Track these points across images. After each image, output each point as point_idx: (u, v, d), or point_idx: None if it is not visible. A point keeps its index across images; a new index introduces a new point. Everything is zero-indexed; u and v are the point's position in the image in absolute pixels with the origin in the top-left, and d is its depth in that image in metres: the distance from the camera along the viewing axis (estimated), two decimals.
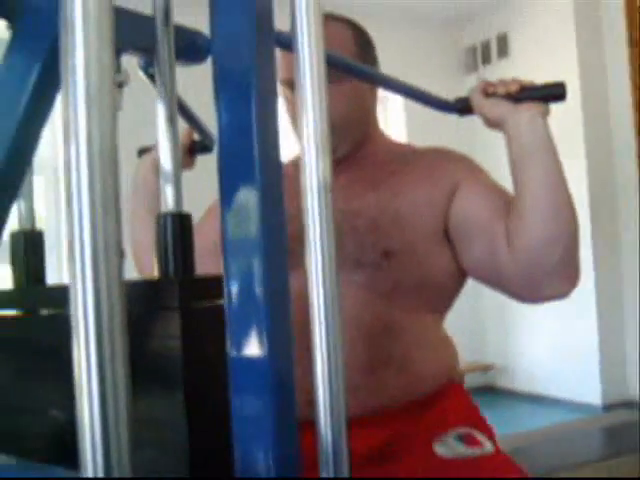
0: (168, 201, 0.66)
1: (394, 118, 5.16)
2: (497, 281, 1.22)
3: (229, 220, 0.60)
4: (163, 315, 0.62)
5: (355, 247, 1.25)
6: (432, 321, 1.33)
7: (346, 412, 0.55)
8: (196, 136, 1.41)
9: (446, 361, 1.36)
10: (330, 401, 0.55)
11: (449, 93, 4.42)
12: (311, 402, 1.25)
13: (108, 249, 0.38)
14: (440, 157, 1.34)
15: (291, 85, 1.28)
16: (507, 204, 1.20)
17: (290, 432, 0.58)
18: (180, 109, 1.21)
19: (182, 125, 1.38)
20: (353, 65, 1.20)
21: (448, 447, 1.21)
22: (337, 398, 0.55)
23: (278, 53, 1.30)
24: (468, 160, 1.37)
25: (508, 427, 4.31)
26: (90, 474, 0.36)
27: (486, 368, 5.01)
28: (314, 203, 0.53)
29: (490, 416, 4.22)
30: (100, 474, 0.36)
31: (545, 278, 1.15)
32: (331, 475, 0.52)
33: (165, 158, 0.67)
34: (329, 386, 0.55)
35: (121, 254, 0.66)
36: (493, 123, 1.24)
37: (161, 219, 0.66)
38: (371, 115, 1.37)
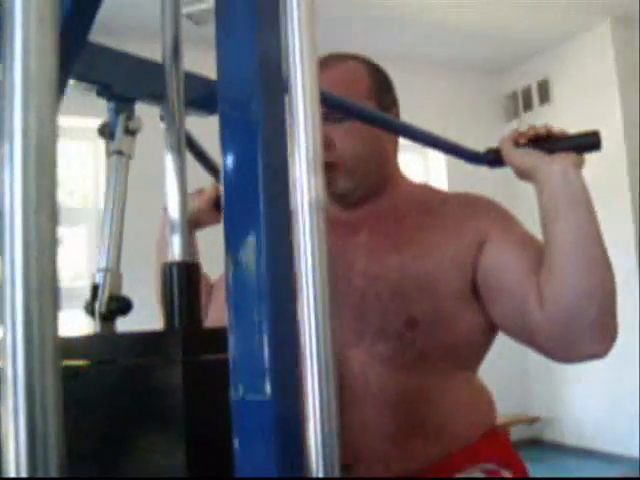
0: (175, 250, 0.65)
1: (435, 167, 5.14)
2: (530, 340, 1.15)
3: (233, 267, 0.58)
4: (167, 366, 0.61)
5: (378, 316, 1.20)
6: (464, 379, 1.27)
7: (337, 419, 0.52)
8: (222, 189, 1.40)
9: (481, 416, 1.30)
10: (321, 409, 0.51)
11: (490, 140, 4.39)
12: (347, 467, 1.20)
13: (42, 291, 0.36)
14: (467, 207, 1.28)
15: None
16: (539, 256, 1.14)
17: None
18: (204, 161, 1.20)
19: (209, 179, 1.38)
20: (370, 112, 1.18)
21: (468, 474, 1.16)
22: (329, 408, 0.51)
23: None
24: (497, 208, 1.30)
25: None
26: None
27: (532, 420, 4.85)
28: (306, 224, 0.53)
29: (537, 470, 4.11)
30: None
31: (579, 338, 1.08)
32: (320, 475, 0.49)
33: (173, 207, 0.66)
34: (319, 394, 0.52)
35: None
36: (524, 174, 1.18)
37: (167, 268, 0.65)
38: (390, 158, 1.32)
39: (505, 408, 4.80)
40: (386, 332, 1.19)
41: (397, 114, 1.34)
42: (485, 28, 4.43)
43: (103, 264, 0.73)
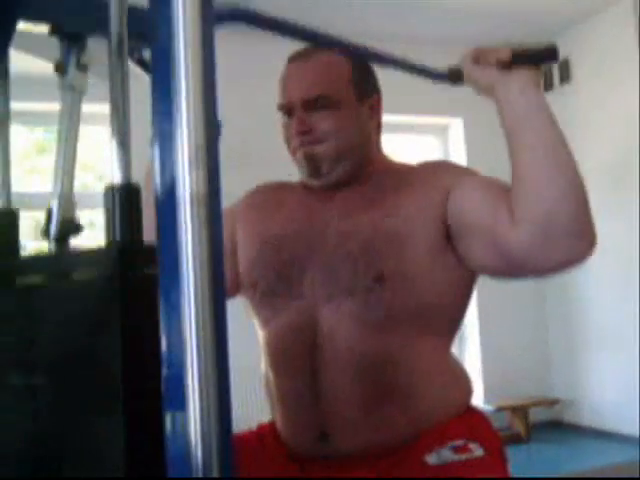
0: (115, 172, 0.67)
1: (454, 148, 5.11)
2: (510, 263, 1.14)
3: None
4: (106, 280, 0.63)
5: (348, 272, 1.22)
6: (436, 348, 1.28)
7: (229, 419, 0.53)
8: None
9: (456, 392, 1.31)
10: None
11: None
12: (324, 436, 1.24)
13: None
14: (433, 169, 1.33)
15: (287, 111, 1.31)
16: (503, 188, 1.16)
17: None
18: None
19: None
20: (342, 41, 1.19)
21: (438, 456, 1.18)
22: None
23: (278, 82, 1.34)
24: (462, 167, 1.38)
25: (574, 464, 4.13)
26: None
27: (552, 402, 4.82)
28: (187, 216, 0.52)
29: (556, 452, 4.09)
30: None
31: (557, 242, 1.08)
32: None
33: (114, 129, 0.68)
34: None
35: None
36: (484, 90, 1.21)
37: (108, 191, 0.67)
38: (371, 143, 1.37)
39: (525, 390, 4.79)
40: (355, 288, 1.21)
41: (378, 99, 1.39)
42: (505, 7, 4.40)
43: (57, 190, 0.76)
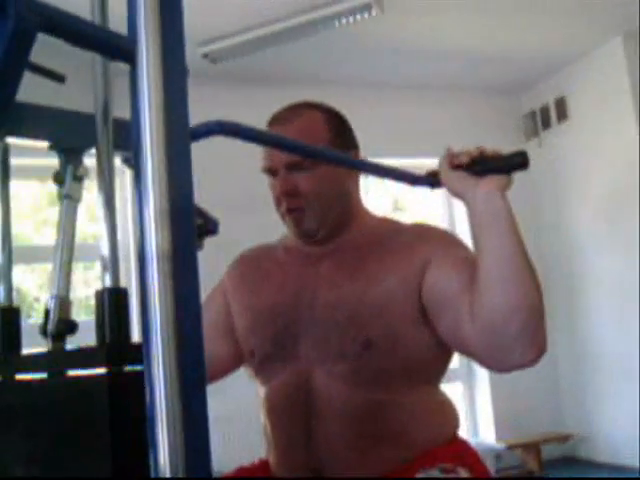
0: (106, 278, 0.75)
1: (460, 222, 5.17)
2: (465, 351, 1.25)
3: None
4: (95, 377, 0.70)
5: (337, 340, 1.31)
6: (423, 393, 1.36)
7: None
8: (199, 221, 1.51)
9: (444, 426, 1.39)
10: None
11: None
12: (316, 471, 1.31)
13: None
14: (415, 237, 1.38)
15: (272, 172, 1.39)
16: (475, 275, 1.22)
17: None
18: None
19: None
20: (323, 151, 1.28)
21: (427, 475, 1.25)
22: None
23: (261, 147, 1.42)
24: (443, 234, 1.41)
25: None
26: None
27: (565, 438, 4.81)
28: (153, 272, 0.58)
29: None
30: None
31: (506, 349, 1.15)
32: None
33: (105, 240, 0.76)
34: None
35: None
36: (456, 196, 1.27)
37: (99, 294, 0.75)
38: (353, 198, 1.44)
39: (537, 426, 4.79)
40: (345, 354, 1.30)
41: (356, 155, 1.46)
42: (499, 50, 4.50)
43: (54, 291, 0.84)
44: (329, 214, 1.39)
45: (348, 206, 1.43)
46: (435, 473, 1.25)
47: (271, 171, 1.40)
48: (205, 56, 4.03)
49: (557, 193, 5.03)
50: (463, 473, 1.26)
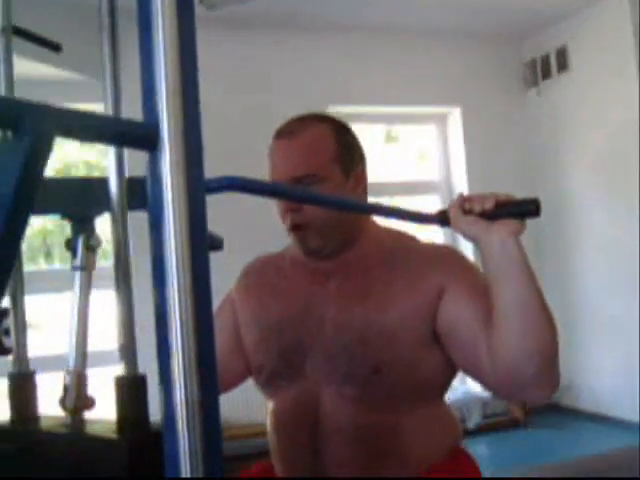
0: (124, 364, 0.76)
1: (453, 135, 5.15)
2: (482, 384, 1.28)
3: None
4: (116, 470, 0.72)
5: (346, 361, 1.32)
6: (429, 411, 1.39)
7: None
8: None
9: (447, 440, 1.44)
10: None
11: (511, 106, 4.46)
12: None
13: None
14: (428, 259, 1.38)
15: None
16: (491, 306, 1.24)
17: None
18: None
19: None
20: (329, 198, 1.27)
21: None
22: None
23: (275, 160, 1.40)
24: (456, 258, 1.40)
25: (572, 449, 4.27)
26: None
27: None
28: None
29: (553, 436, 4.21)
30: None
31: (522, 388, 1.20)
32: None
33: (119, 325, 0.77)
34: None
35: None
36: (469, 240, 1.26)
37: (119, 382, 0.76)
38: (360, 214, 1.42)
39: None
40: (353, 376, 1.31)
41: (363, 170, 1.44)
42: None
43: (71, 366, 0.85)
44: (335, 230, 1.37)
45: (355, 221, 1.41)
46: None
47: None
48: (201, 1, 3.93)
49: (554, 144, 5.00)
50: None
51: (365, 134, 4.99)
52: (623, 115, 4.38)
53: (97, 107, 0.99)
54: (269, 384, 1.43)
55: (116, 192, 0.81)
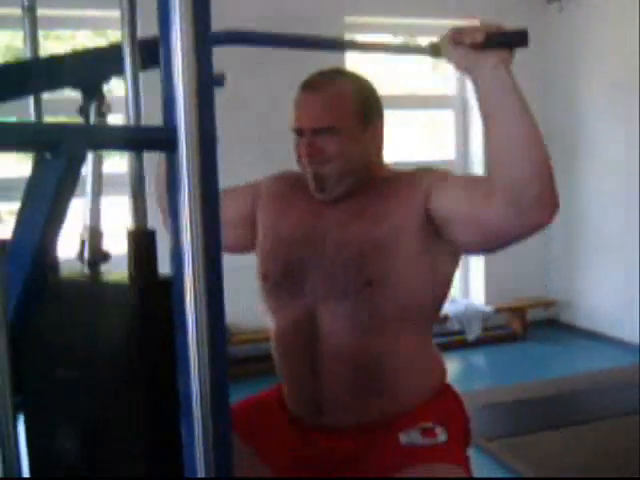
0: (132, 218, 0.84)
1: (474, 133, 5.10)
2: (488, 233, 1.32)
3: None
4: (129, 313, 0.81)
5: (343, 278, 1.42)
6: (417, 344, 1.50)
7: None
8: None
9: (432, 378, 1.55)
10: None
11: (530, 22, 4.37)
12: (319, 411, 1.50)
13: None
14: (416, 175, 1.48)
15: (299, 133, 1.47)
16: (477, 177, 1.32)
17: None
18: None
19: None
20: (327, 40, 1.42)
21: (409, 437, 1.42)
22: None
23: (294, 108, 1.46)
24: (443, 170, 1.49)
25: (567, 364, 4.41)
26: None
27: (549, 304, 5.07)
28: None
29: (551, 349, 4.36)
30: None
31: (528, 210, 1.24)
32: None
33: (131, 179, 0.84)
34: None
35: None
36: (462, 70, 1.32)
37: (130, 235, 0.84)
38: (373, 162, 1.52)
39: (525, 291, 5.02)
40: (348, 291, 1.42)
41: (381, 125, 1.53)
42: None
43: (87, 222, 0.94)
44: (350, 177, 1.47)
45: (368, 170, 1.50)
46: (416, 435, 1.42)
47: (298, 132, 1.47)
48: None
49: (571, 62, 4.94)
50: (440, 434, 1.43)
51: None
52: (635, 47, 4.30)
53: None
54: (271, 296, 1.54)
55: (129, 53, 0.87)
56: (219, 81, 1.53)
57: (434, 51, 1.34)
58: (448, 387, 1.59)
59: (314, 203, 1.53)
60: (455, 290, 5.12)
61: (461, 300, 4.95)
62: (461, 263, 5.06)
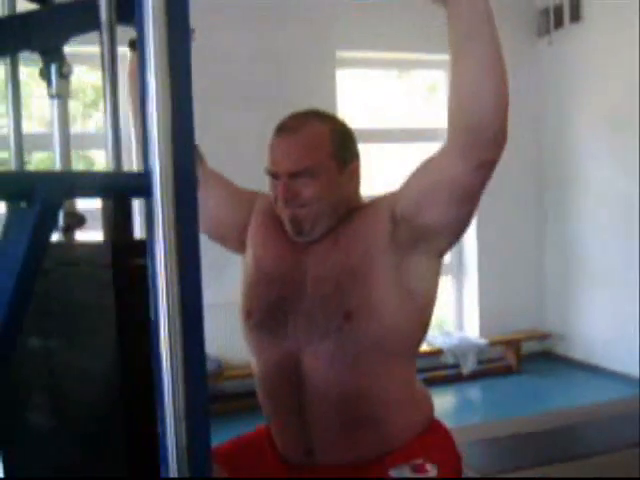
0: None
1: None
2: (452, 190, 1.32)
3: None
4: (102, 269, 0.79)
5: (323, 316, 1.40)
6: (401, 379, 1.48)
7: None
8: None
9: (420, 414, 1.52)
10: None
11: (520, 55, 4.41)
12: (309, 451, 1.47)
13: None
14: (382, 196, 1.48)
15: (274, 177, 1.46)
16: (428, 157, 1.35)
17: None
18: None
19: None
20: None
21: (400, 473, 1.40)
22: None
23: (277, 150, 1.44)
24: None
25: (562, 397, 4.37)
26: None
27: (544, 336, 5.05)
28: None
29: (546, 382, 4.31)
30: None
31: (487, 145, 1.26)
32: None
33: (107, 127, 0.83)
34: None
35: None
36: (437, 2, 1.29)
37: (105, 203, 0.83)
38: (352, 198, 1.50)
39: (520, 323, 5.00)
40: (329, 329, 1.40)
41: (357, 165, 1.51)
42: None
43: None
44: (327, 218, 1.45)
45: (345, 209, 1.48)
46: (406, 470, 1.39)
47: (274, 175, 1.46)
48: None
49: (562, 94, 4.99)
50: (431, 470, 1.40)
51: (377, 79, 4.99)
52: (632, 70, 4.35)
53: None
54: (255, 333, 1.51)
55: (105, 5, 0.86)
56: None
57: None
58: (438, 423, 1.56)
59: (291, 249, 1.51)
60: (449, 323, 5.10)
61: (455, 333, 4.92)
62: (455, 293, 5.04)
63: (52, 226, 0.58)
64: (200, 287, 0.64)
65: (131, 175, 0.64)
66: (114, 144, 0.86)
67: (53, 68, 0.95)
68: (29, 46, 0.95)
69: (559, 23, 4.94)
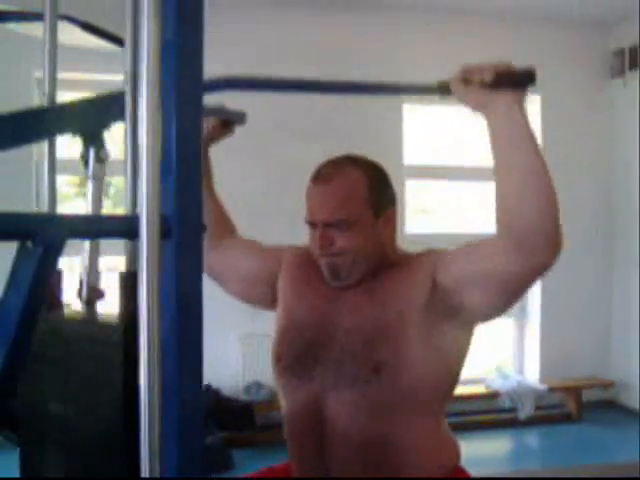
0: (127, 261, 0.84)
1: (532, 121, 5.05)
2: (495, 282, 1.31)
3: None
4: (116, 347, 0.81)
5: (350, 365, 1.40)
6: (426, 427, 1.45)
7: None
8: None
9: (445, 460, 1.50)
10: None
11: (594, 97, 4.34)
12: None
13: None
14: (424, 255, 1.47)
15: (312, 226, 1.48)
16: (479, 240, 1.33)
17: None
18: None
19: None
20: (332, 83, 1.46)
21: None
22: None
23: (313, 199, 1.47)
24: (439, 249, 1.48)
25: (623, 448, 4.18)
26: None
27: (606, 385, 4.85)
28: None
29: (608, 432, 4.14)
30: None
31: (536, 249, 1.23)
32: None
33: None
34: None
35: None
36: (475, 110, 1.31)
37: (120, 277, 0.84)
38: (387, 246, 1.51)
39: (582, 369, 4.83)
40: (356, 379, 1.40)
41: (393, 212, 1.52)
42: None
43: (86, 262, 0.96)
44: (364, 266, 1.46)
45: (380, 256, 1.49)
46: None
47: (311, 224, 1.48)
48: None
49: (636, 136, 4.86)
50: None
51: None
52: None
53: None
54: (284, 376, 1.53)
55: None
56: (242, 119, 1.59)
57: (443, 90, 1.34)
58: (461, 469, 1.53)
59: (328, 288, 1.52)
60: (508, 366, 4.97)
61: (514, 376, 4.79)
62: (516, 338, 4.94)
63: (52, 266, 0.62)
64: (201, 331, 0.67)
65: (119, 217, 0.69)
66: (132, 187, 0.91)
67: (92, 152, 1.00)
68: (72, 131, 1.00)
69: (634, 63, 4.84)
